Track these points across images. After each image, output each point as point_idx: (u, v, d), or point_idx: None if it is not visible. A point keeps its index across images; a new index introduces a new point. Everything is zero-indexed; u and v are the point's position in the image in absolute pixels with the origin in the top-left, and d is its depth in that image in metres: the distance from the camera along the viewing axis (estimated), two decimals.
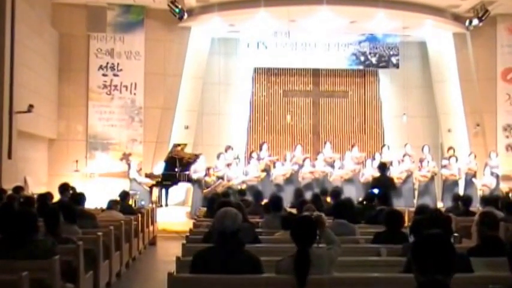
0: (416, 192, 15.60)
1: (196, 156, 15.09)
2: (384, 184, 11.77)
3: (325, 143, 16.83)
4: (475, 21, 16.16)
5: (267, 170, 15.42)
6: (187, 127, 17.30)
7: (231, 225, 4.18)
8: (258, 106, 18.90)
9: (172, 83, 16.70)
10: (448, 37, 17.45)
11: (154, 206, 13.62)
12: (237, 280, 4.07)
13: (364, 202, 10.32)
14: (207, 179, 14.37)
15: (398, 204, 13.02)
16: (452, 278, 2.69)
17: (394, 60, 18.32)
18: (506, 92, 17.01)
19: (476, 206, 11.24)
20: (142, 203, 14.34)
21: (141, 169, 15.65)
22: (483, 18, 15.97)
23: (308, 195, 12.20)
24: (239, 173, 14.90)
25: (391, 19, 16.12)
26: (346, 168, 15.47)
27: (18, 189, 10.54)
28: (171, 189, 15.36)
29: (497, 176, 15.47)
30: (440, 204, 14.39)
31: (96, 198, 12.08)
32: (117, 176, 15.84)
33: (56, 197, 9.74)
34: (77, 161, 15.95)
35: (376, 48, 18.26)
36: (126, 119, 16.44)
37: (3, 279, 4.24)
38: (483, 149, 16.77)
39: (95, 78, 16.31)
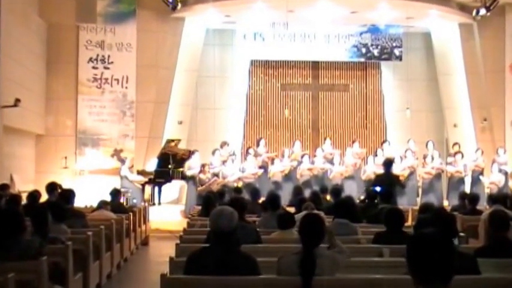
0: (420, 190, 15.53)
1: (191, 153, 15.05)
2: (389, 181, 11.56)
3: (324, 138, 16.81)
4: (483, 11, 15.95)
5: (264, 167, 15.40)
6: (181, 122, 17.22)
7: (227, 224, 4.15)
8: (254, 100, 18.76)
9: (166, 76, 16.59)
10: (454, 28, 17.31)
11: (146, 204, 13.53)
12: (233, 281, 4.07)
13: (366, 200, 10.27)
14: (202, 176, 14.34)
15: (401, 202, 12.91)
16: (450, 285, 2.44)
17: (397, 52, 18.16)
18: None
19: (483, 205, 11.25)
20: (134, 201, 14.30)
21: (132, 166, 15.66)
22: (491, 8, 15.75)
23: (307, 192, 12.11)
24: (235, 169, 14.93)
25: (393, 9, 16.00)
26: (346, 164, 15.45)
27: (4, 187, 10.40)
28: (164, 187, 15.33)
29: (505, 173, 15.26)
30: (445, 203, 14.36)
31: (86, 197, 12.14)
32: (108, 173, 15.85)
33: (44, 196, 9.65)
34: (65, 158, 15.83)
35: (378, 39, 18.10)
36: (117, 114, 16.33)
37: None
38: (491, 145, 16.66)
39: (84, 71, 16.24)
